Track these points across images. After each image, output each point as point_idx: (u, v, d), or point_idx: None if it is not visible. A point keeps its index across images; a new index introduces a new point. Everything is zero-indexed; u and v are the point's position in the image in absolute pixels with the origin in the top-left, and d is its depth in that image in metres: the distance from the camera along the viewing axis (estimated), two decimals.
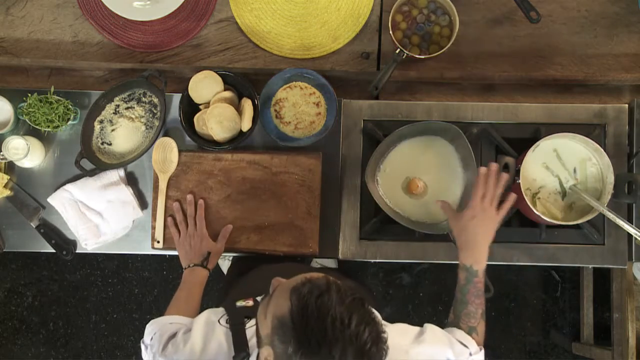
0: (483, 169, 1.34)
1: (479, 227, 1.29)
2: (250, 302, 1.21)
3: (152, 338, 1.23)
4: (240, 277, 1.63)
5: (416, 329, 1.22)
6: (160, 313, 1.35)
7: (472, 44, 1.64)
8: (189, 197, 1.56)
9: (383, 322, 1.18)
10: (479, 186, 1.32)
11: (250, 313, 1.18)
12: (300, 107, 1.59)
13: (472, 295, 1.27)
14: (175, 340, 1.17)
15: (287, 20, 1.65)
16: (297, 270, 1.45)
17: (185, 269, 1.49)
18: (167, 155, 1.58)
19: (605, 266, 1.60)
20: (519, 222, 1.59)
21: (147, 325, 1.28)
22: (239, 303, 1.21)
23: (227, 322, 1.16)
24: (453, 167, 1.55)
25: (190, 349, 1.13)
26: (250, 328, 1.14)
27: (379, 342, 0.94)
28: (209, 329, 1.15)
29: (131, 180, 1.62)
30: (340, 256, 1.57)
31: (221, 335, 1.13)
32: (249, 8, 1.66)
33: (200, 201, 1.56)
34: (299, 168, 1.56)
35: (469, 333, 1.26)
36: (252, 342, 1.10)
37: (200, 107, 1.59)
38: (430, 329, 1.22)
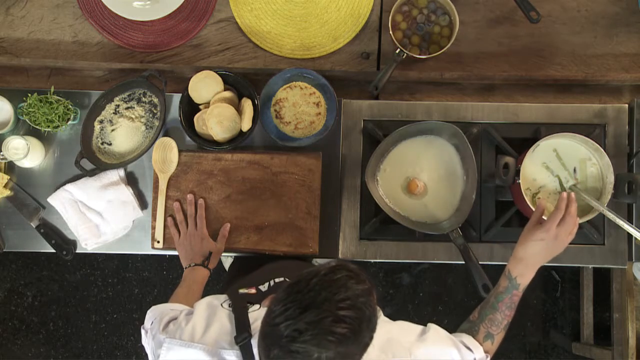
0: (564, 193, 1.28)
1: (542, 251, 1.26)
2: (252, 290, 1.22)
3: (152, 322, 1.23)
4: (242, 276, 1.63)
5: (419, 327, 1.21)
6: None
7: (472, 44, 1.64)
8: (189, 197, 1.56)
9: (385, 318, 1.18)
10: (559, 210, 1.26)
11: (253, 299, 1.19)
12: (300, 107, 1.59)
13: (504, 305, 1.25)
14: (177, 321, 1.18)
15: (287, 20, 1.65)
16: (298, 268, 1.45)
17: (185, 268, 1.49)
18: (167, 155, 1.58)
19: (605, 266, 1.60)
20: (519, 222, 1.59)
21: (148, 312, 1.28)
22: (242, 290, 1.22)
23: (229, 306, 1.17)
24: (453, 167, 1.55)
25: (192, 328, 1.13)
26: (252, 312, 1.14)
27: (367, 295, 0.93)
28: (212, 311, 1.16)
29: (131, 180, 1.62)
30: (340, 256, 1.57)
31: (224, 317, 1.14)
32: (249, 8, 1.66)
33: (201, 201, 1.56)
34: (299, 168, 1.56)
35: (485, 339, 1.25)
36: (254, 325, 1.10)
37: (200, 107, 1.59)
38: (434, 329, 1.21)
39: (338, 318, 0.89)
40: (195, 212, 1.55)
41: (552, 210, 1.27)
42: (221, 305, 1.17)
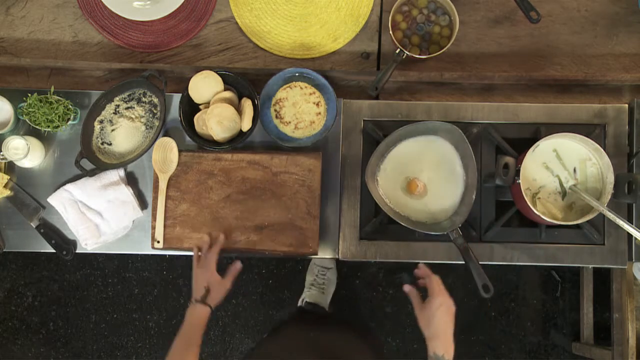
0: (421, 266, 1.39)
1: (447, 315, 1.29)
2: None
3: None
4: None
5: None
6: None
7: (472, 44, 1.64)
8: (205, 237, 1.52)
9: None
10: (431, 276, 1.35)
11: None
12: (300, 107, 1.59)
13: None
14: None
15: (287, 20, 1.66)
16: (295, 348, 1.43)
17: (189, 304, 1.43)
18: (167, 155, 1.58)
19: (605, 266, 1.60)
20: (519, 222, 1.59)
21: None
22: None
23: None
24: (453, 167, 1.55)
25: None
26: None
27: None
28: None
29: (131, 180, 1.62)
30: (340, 256, 1.57)
31: None
32: (249, 8, 1.66)
33: (221, 236, 1.52)
34: (299, 168, 1.56)
35: None
36: None
37: (200, 107, 1.59)
38: None
39: None
40: (209, 248, 1.49)
41: (428, 281, 1.35)
42: None
